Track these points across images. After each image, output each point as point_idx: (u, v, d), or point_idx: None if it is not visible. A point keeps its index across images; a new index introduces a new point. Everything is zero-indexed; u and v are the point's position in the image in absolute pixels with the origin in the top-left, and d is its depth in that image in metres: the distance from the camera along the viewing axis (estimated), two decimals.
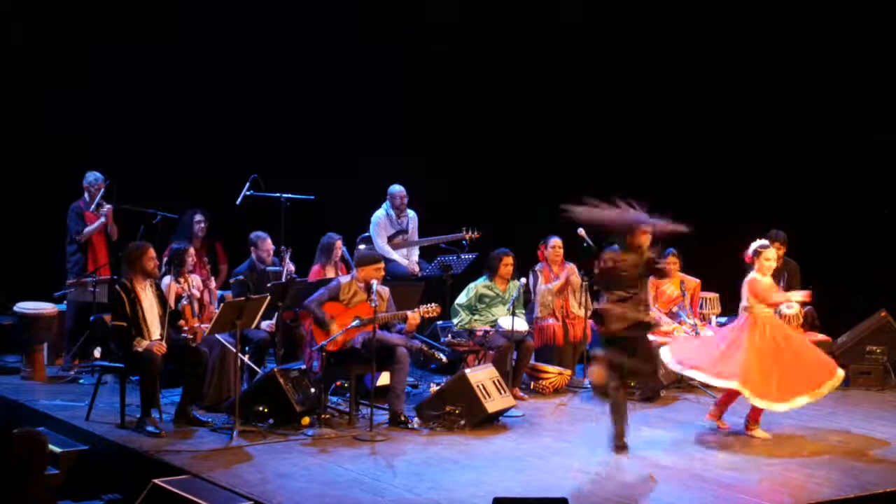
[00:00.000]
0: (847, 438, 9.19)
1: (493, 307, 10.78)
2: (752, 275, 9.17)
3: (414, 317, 9.48)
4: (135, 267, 9.08)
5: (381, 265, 9.70)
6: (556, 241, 11.38)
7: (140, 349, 8.90)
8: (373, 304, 9.20)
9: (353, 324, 9.33)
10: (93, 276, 10.77)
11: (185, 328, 9.37)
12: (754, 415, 9.11)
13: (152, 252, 9.21)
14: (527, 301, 11.21)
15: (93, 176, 11.06)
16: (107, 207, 10.98)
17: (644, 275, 8.65)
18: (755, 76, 13.69)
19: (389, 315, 9.48)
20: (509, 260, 10.84)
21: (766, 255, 9.17)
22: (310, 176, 11.96)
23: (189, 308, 9.61)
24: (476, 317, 10.76)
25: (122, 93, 12.14)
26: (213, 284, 10.37)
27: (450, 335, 10.98)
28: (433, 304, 9.64)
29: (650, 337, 11.22)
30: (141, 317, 9.01)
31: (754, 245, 9.27)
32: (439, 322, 11.46)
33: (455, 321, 10.81)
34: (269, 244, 10.60)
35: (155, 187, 11.61)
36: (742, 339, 8.98)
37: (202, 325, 9.49)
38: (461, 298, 10.87)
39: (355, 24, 13.11)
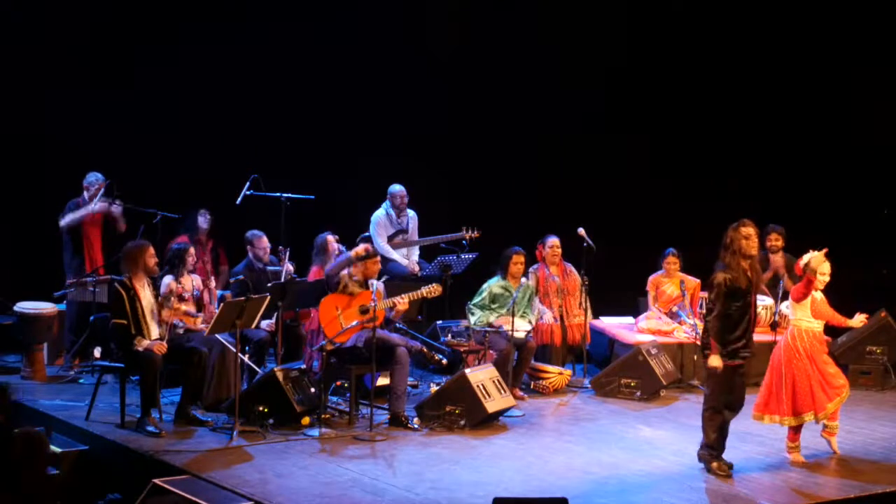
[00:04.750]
0: (847, 438, 9.18)
1: (507, 306, 10.73)
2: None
3: (402, 302, 9.47)
4: (137, 265, 9.09)
5: (378, 258, 9.76)
6: (553, 241, 11.36)
7: (140, 349, 8.90)
8: (373, 304, 9.21)
9: (354, 323, 9.34)
10: (93, 276, 10.76)
11: (180, 321, 9.37)
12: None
13: (152, 250, 9.24)
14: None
15: (93, 176, 11.05)
16: (117, 205, 10.96)
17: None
18: (755, 76, 13.70)
19: (386, 302, 9.47)
20: (519, 258, 10.80)
21: (821, 269, 8.59)
22: (310, 176, 11.96)
23: (177, 304, 9.56)
24: (491, 313, 10.72)
25: (122, 93, 12.13)
26: (212, 284, 10.36)
27: (450, 335, 10.98)
28: (434, 284, 9.63)
29: (644, 337, 11.30)
30: (141, 315, 9.01)
31: (807, 257, 8.65)
32: (439, 322, 11.46)
33: (472, 320, 10.74)
34: (264, 242, 10.59)
35: (155, 187, 11.61)
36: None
37: (202, 325, 9.50)
38: (475, 299, 10.83)
39: (355, 24, 13.11)
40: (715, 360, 8.14)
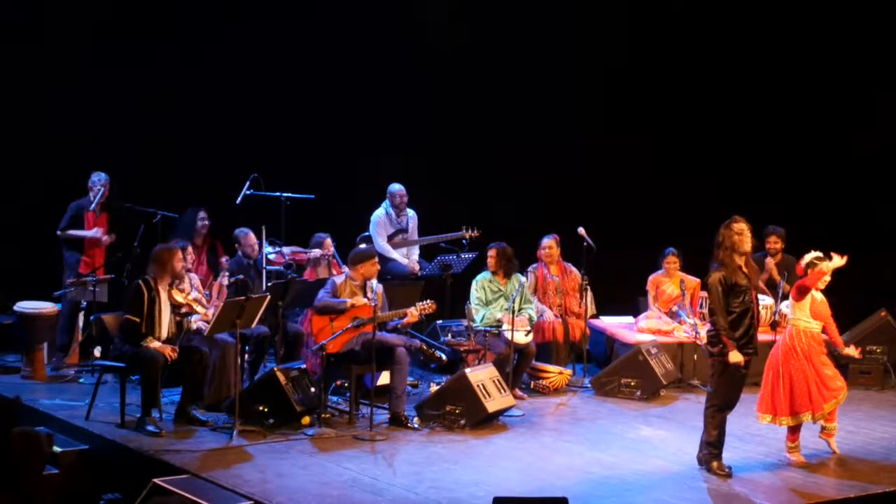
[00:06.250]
0: (847, 438, 9.18)
1: (496, 301, 10.74)
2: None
3: (413, 314, 9.47)
4: (165, 268, 9.13)
5: (376, 259, 9.72)
6: (547, 242, 11.40)
7: (150, 347, 8.89)
8: (372, 304, 9.21)
9: (353, 324, 9.33)
10: (93, 276, 10.75)
11: (194, 315, 9.38)
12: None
13: (181, 254, 9.32)
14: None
15: (97, 176, 11.06)
16: (105, 238, 11.00)
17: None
18: (755, 76, 13.69)
19: (388, 314, 9.48)
20: (491, 252, 10.88)
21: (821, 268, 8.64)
22: (310, 176, 11.96)
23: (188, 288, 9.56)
24: (492, 309, 10.72)
25: (122, 93, 12.13)
26: (225, 281, 10.26)
27: (450, 335, 10.97)
28: (429, 301, 9.63)
29: (644, 337, 11.29)
30: (156, 316, 9.02)
31: (809, 257, 8.74)
32: (439, 322, 11.45)
33: (478, 319, 10.75)
34: (251, 238, 10.59)
35: (155, 187, 11.61)
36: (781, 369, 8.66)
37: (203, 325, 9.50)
38: (472, 298, 10.84)
39: (355, 24, 13.10)
40: (735, 356, 8.12)
